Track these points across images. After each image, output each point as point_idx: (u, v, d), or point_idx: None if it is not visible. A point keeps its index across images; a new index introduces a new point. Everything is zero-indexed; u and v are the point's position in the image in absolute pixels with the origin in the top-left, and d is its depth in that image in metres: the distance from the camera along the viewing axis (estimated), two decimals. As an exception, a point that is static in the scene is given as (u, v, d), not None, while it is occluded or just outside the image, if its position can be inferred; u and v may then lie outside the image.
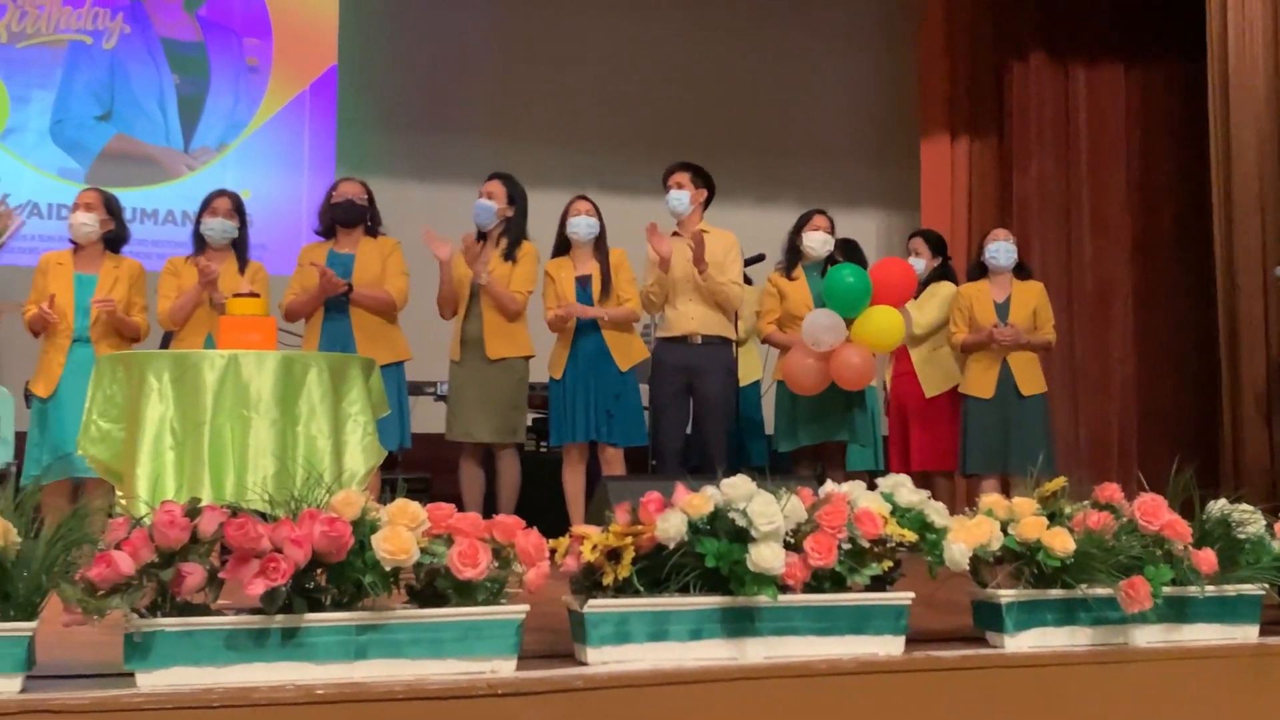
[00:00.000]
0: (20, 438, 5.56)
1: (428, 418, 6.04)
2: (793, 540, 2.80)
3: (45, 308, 4.82)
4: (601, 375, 5.41)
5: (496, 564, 2.72)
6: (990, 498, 3.10)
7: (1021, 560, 2.97)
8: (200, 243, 5.27)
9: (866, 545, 2.87)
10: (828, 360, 5.34)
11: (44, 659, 2.52)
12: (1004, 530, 2.96)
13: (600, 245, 5.53)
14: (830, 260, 5.69)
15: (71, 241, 5.07)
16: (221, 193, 5.36)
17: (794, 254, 5.75)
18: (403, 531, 2.62)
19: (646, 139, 8.17)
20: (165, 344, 5.42)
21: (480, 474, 5.49)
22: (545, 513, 3.59)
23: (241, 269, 5.24)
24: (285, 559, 2.51)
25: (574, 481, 5.49)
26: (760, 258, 6.40)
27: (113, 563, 2.44)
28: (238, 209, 5.31)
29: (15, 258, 3.97)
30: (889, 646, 2.85)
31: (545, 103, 8.41)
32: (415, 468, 6.20)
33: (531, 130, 8.23)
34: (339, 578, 2.61)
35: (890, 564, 2.91)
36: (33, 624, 2.43)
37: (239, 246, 5.30)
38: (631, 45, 8.66)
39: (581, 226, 5.49)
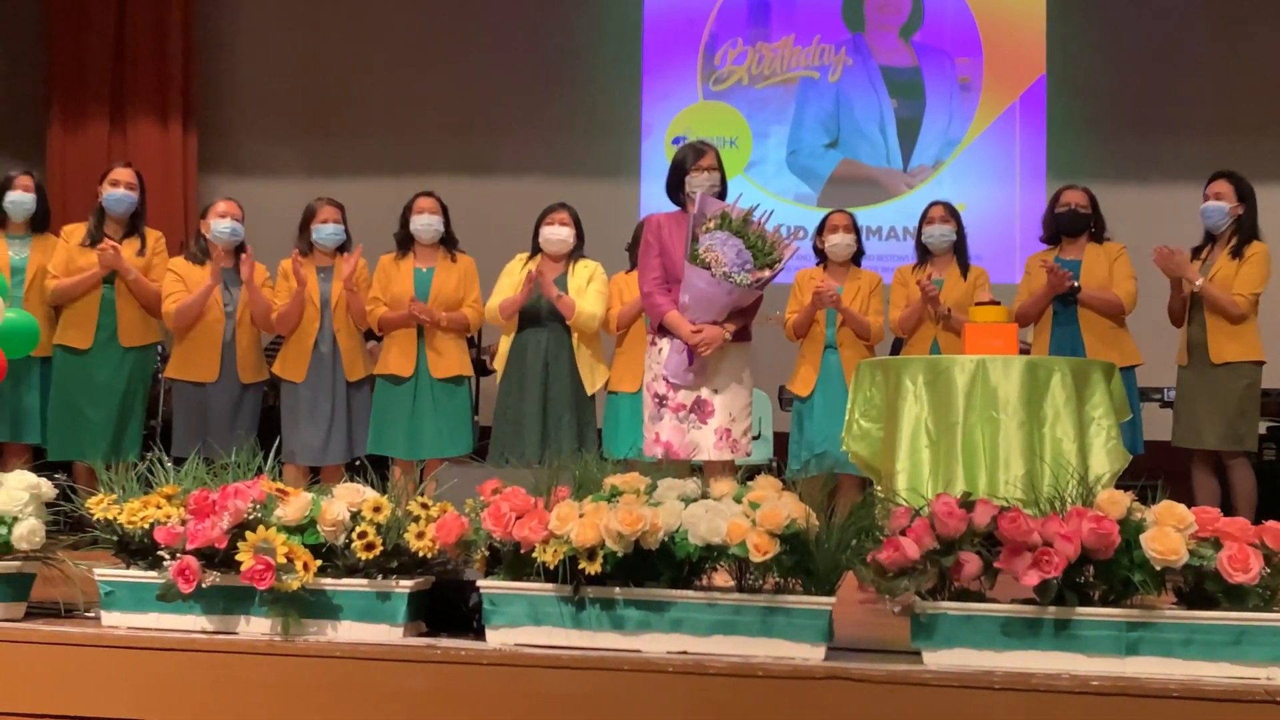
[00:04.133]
0: (777, 437, 6.22)
1: (1152, 424, 5.90)
2: None
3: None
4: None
5: (1268, 570, 2.68)
6: None
7: None
8: (924, 252, 5.60)
9: None
10: None
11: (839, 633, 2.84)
12: None
13: None
14: None
15: (818, 259, 5.61)
16: (937, 203, 5.67)
17: None
18: (1171, 533, 2.66)
19: None
20: (896, 349, 5.80)
21: (1214, 483, 5.28)
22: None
23: (964, 274, 5.51)
24: (1057, 553, 2.65)
25: (1317, 494, 5.13)
26: None
27: (900, 548, 2.72)
28: (953, 215, 5.59)
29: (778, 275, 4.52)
30: None
31: (1266, 91, 7.83)
32: (1142, 475, 6.06)
33: (1251, 122, 7.70)
34: (1107, 574, 2.71)
35: None
36: (831, 599, 2.75)
37: (959, 252, 5.57)
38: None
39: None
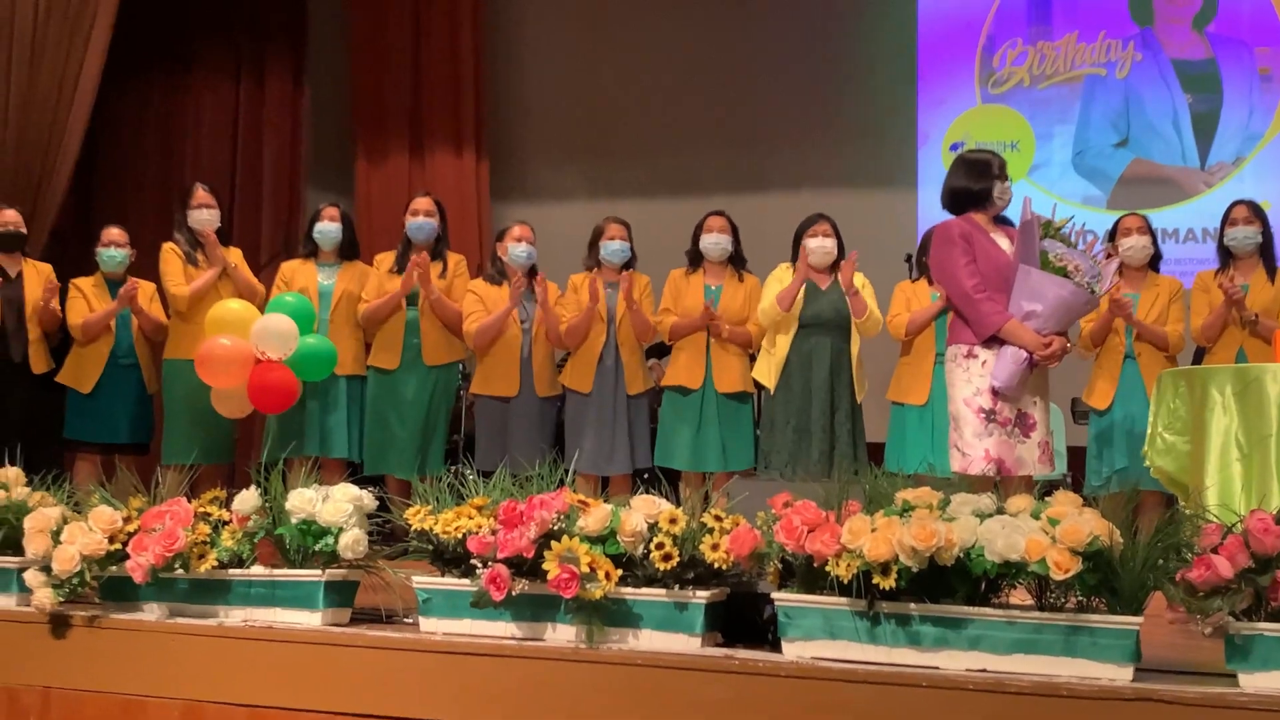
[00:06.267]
0: (1069, 451, 6.03)
1: None
2: None
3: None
4: None
5: None
6: None
7: None
8: (1227, 255, 5.34)
9: None
10: None
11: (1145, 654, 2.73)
12: None
13: None
14: None
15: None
16: (1240, 202, 5.40)
17: None
18: None
19: None
20: (1198, 358, 5.53)
21: None
22: None
23: (1271, 277, 5.23)
24: (1387, 573, 2.50)
25: None
26: None
27: (1212, 566, 2.61)
28: (1258, 215, 5.31)
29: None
30: None
31: None
32: None
33: None
34: None
35: None
36: (1139, 619, 2.66)
37: (1266, 254, 5.30)
38: None
39: None
